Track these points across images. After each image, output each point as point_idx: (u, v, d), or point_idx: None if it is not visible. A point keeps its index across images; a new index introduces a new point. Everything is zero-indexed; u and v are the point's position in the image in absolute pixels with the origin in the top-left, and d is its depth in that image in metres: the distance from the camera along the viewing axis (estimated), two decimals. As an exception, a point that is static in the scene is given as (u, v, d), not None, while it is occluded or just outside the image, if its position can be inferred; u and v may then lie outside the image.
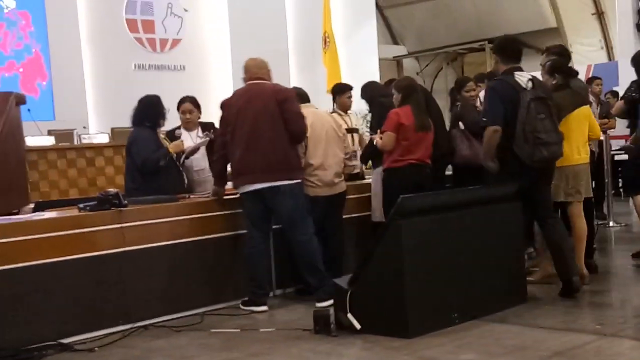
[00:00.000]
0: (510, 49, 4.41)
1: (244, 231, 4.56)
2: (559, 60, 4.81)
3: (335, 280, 3.97)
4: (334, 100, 6.17)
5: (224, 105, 4.54)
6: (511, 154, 4.16)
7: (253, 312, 4.35)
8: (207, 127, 5.30)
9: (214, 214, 4.54)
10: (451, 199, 4.08)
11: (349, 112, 6.09)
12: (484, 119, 4.27)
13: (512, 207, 4.27)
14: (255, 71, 4.49)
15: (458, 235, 3.89)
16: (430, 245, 3.75)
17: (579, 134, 4.57)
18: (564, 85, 4.63)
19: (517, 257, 4.25)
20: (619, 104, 5.51)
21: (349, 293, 3.72)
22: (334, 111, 6.06)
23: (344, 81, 9.03)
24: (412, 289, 3.62)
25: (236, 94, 4.58)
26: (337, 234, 4.87)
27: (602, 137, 6.87)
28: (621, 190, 7.51)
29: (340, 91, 6.13)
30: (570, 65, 5.01)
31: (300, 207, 4.42)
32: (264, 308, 4.39)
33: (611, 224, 7.19)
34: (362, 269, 3.79)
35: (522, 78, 4.22)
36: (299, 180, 4.43)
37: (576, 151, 4.55)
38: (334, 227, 4.83)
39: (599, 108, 7.32)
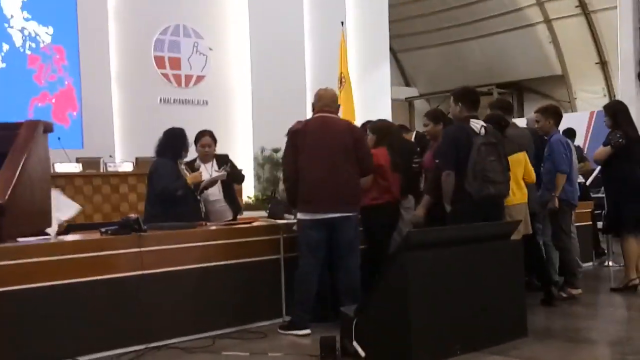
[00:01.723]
0: (471, 99, 4.78)
1: (257, 258, 4.73)
2: (493, 113, 5.32)
3: (342, 308, 4.09)
4: None
5: (297, 132, 4.61)
6: (465, 194, 4.47)
7: (296, 335, 4.43)
8: (221, 159, 5.48)
9: (229, 241, 4.68)
10: (456, 234, 4.18)
11: None
12: (437, 161, 4.68)
13: (514, 244, 4.40)
14: (328, 103, 4.68)
15: (462, 269, 3.99)
16: (435, 278, 3.85)
17: (513, 177, 4.92)
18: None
19: (518, 292, 4.33)
20: (605, 149, 5.68)
21: (355, 321, 3.82)
22: None
23: (357, 120, 9.22)
24: (416, 320, 3.70)
25: (310, 123, 4.67)
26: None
27: (580, 180, 7.21)
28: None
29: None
30: (508, 116, 5.51)
31: (357, 236, 4.66)
32: (308, 331, 4.46)
33: (610, 263, 7.24)
34: (369, 298, 3.90)
35: (476, 125, 4.62)
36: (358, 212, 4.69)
37: (511, 192, 4.87)
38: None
39: None
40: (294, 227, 4.75)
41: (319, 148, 4.51)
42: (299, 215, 4.59)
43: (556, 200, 5.42)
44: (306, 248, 4.53)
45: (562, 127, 7.70)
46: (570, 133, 7.87)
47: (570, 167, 5.51)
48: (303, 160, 4.52)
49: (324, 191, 4.48)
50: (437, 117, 5.30)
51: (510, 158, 4.87)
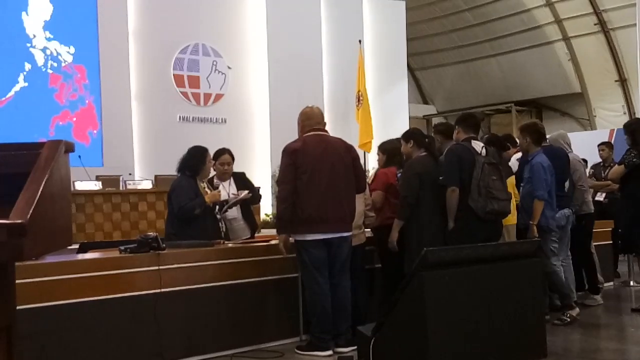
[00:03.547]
0: (469, 122, 4.98)
1: (275, 276, 4.73)
2: (495, 135, 5.53)
3: (359, 327, 4.08)
4: None
5: (296, 151, 4.45)
6: (469, 211, 4.58)
7: (318, 356, 4.38)
8: (238, 177, 5.50)
9: (246, 259, 4.68)
10: (473, 253, 4.14)
11: None
12: (440, 178, 4.76)
13: (532, 264, 4.36)
14: (320, 121, 4.66)
15: (479, 288, 3.96)
16: (452, 297, 3.83)
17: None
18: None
19: (537, 312, 4.29)
20: (619, 168, 5.72)
21: (372, 340, 3.81)
22: None
23: (375, 138, 9.24)
24: (433, 339, 3.68)
25: (308, 141, 4.51)
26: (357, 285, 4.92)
27: (601, 198, 7.19)
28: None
29: None
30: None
31: (350, 255, 4.64)
32: (330, 352, 4.40)
33: (632, 283, 7.14)
34: (386, 317, 3.88)
35: (477, 145, 4.79)
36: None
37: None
38: (354, 278, 4.84)
39: (607, 171, 7.52)
40: (282, 248, 4.52)
41: (321, 167, 4.44)
42: (299, 237, 4.48)
43: (535, 229, 5.09)
44: (314, 269, 4.47)
45: (581, 145, 7.70)
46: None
47: (549, 192, 5.17)
48: (306, 180, 4.41)
49: (330, 211, 4.43)
50: (405, 136, 5.13)
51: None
